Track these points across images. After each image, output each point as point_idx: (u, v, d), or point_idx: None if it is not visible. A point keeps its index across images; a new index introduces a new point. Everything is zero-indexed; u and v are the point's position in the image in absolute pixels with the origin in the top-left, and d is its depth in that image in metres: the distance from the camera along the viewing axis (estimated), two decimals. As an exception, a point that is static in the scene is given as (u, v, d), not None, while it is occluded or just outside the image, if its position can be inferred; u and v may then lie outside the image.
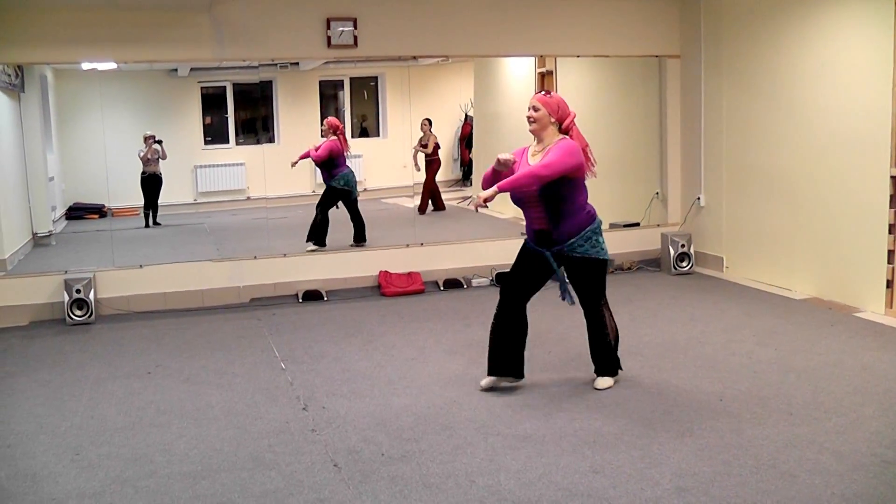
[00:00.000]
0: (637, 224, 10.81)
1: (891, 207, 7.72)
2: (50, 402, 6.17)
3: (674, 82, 10.54)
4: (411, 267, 9.61)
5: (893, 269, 7.76)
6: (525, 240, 6.07)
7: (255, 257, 9.45)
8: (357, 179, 10.77)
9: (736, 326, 7.62)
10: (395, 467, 4.83)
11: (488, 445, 5.09)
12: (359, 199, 10.62)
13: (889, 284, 7.80)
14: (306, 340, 7.63)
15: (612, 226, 10.81)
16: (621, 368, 6.21)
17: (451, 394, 6.00)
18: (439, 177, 12.87)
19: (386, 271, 9.55)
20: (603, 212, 11.02)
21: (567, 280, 6.02)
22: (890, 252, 7.76)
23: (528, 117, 5.86)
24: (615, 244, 10.34)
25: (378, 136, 13.29)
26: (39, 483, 4.78)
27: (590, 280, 5.96)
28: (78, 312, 8.46)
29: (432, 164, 12.46)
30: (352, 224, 10.46)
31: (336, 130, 10.62)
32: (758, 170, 9.32)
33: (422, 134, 12.10)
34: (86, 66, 9.48)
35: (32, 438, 5.46)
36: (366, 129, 13.47)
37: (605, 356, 6.09)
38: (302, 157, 10.76)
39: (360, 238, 10.42)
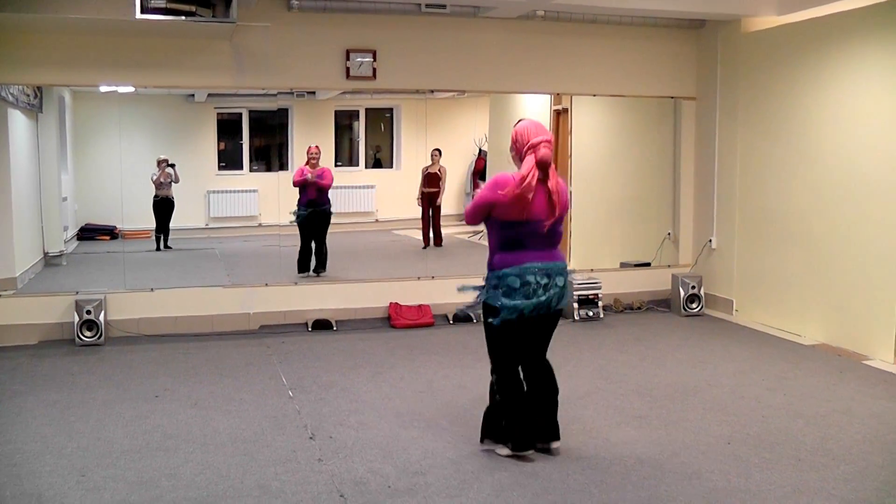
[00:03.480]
0: (648, 264, 10.81)
1: (903, 256, 7.72)
2: (57, 422, 6.17)
3: (689, 124, 10.58)
4: (422, 299, 9.61)
5: (904, 317, 7.74)
6: None
7: (266, 284, 9.46)
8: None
9: (745, 370, 7.60)
10: (401, 500, 4.81)
11: (495, 481, 5.07)
12: (369, 230, 10.71)
13: (900, 333, 7.78)
14: (315, 369, 7.62)
15: (623, 265, 10.84)
16: (508, 445, 5.44)
17: (459, 428, 5.98)
18: (451, 209, 12.87)
19: (396, 303, 9.55)
20: (614, 250, 11.19)
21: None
22: (901, 301, 7.76)
23: None
24: (626, 283, 10.41)
25: (391, 167, 13.32)
26: (45, 503, 4.78)
27: (485, 330, 5.50)
28: (88, 333, 8.47)
29: (434, 196, 12.32)
30: (317, 255, 10.62)
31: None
32: (770, 214, 9.33)
33: (430, 163, 12.08)
34: (104, 88, 9.55)
35: (38, 458, 5.45)
36: (379, 160, 13.51)
37: (487, 418, 5.61)
38: (300, 180, 10.80)
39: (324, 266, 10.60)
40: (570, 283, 5.51)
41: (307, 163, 10.74)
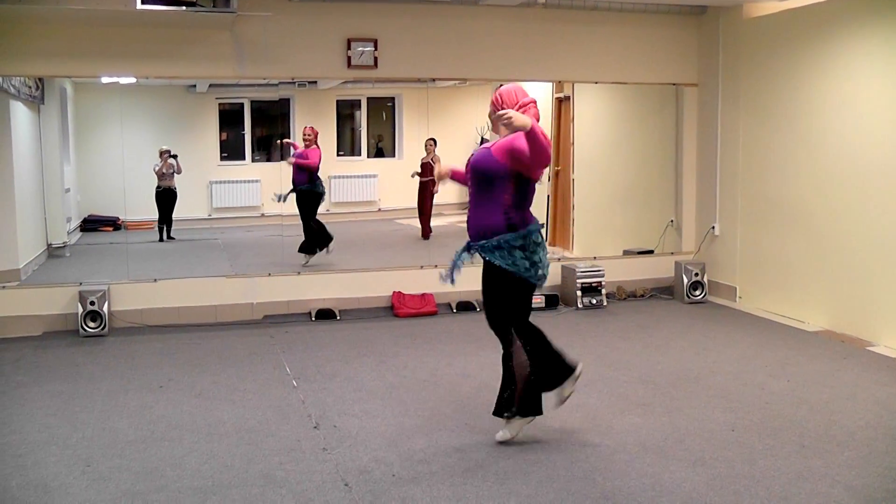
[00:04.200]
0: (651, 251, 10.81)
1: (906, 242, 7.72)
2: (62, 413, 6.18)
3: (691, 111, 10.57)
4: (425, 288, 9.61)
5: (908, 303, 7.75)
6: None
7: (270, 274, 9.47)
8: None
9: (748, 357, 7.60)
10: (405, 488, 4.82)
11: (499, 469, 5.08)
12: (372, 220, 10.73)
13: (903, 319, 7.78)
14: (319, 359, 7.63)
15: (626, 252, 10.83)
16: (533, 414, 5.45)
17: (463, 417, 5.99)
18: (453, 198, 12.85)
19: (399, 292, 9.56)
20: (617, 238, 11.19)
21: (460, 265, 5.46)
22: (905, 286, 7.76)
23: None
24: (629, 271, 10.41)
25: (393, 156, 13.31)
26: (50, 494, 4.79)
27: (493, 290, 5.38)
28: (91, 324, 8.48)
29: (429, 185, 12.21)
30: (310, 232, 10.66)
31: (316, 138, 10.96)
32: (773, 200, 9.32)
33: (425, 153, 12.05)
34: (105, 79, 9.56)
35: (44, 449, 5.47)
36: (381, 149, 13.49)
37: (509, 402, 5.46)
38: (297, 161, 10.86)
39: (309, 248, 10.62)
40: None
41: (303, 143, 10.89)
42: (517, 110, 5.19)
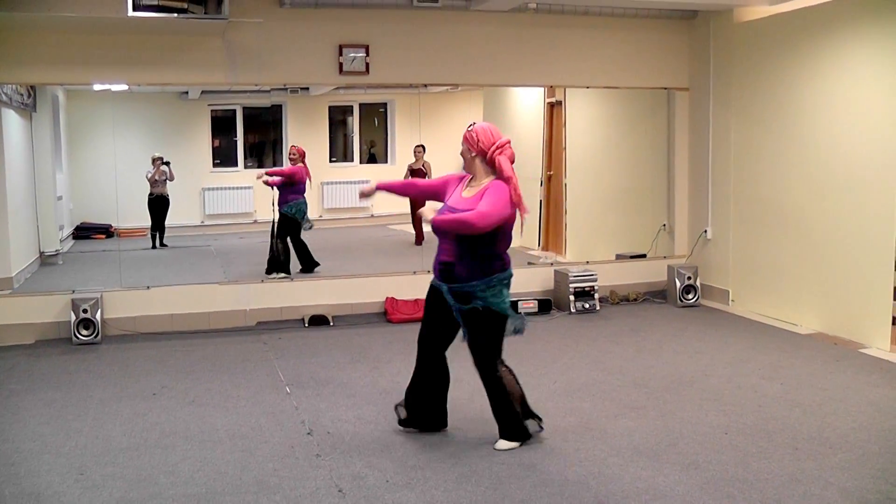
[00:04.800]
0: (644, 255, 10.82)
1: (898, 244, 7.74)
2: (54, 421, 6.17)
3: (682, 115, 10.59)
4: (418, 294, 9.60)
5: (900, 305, 7.77)
6: (432, 280, 5.65)
7: (262, 281, 9.47)
8: (307, 211, 10.83)
9: (741, 360, 7.61)
10: (399, 494, 4.82)
11: (493, 474, 5.09)
12: (364, 226, 10.64)
13: (894, 321, 7.80)
14: (312, 365, 7.63)
15: (619, 257, 10.85)
16: (529, 436, 5.56)
17: (457, 422, 5.98)
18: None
19: (393, 298, 9.56)
20: (610, 242, 11.21)
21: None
22: (896, 289, 7.78)
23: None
24: (622, 275, 10.42)
25: (386, 162, 13.32)
26: (43, 502, 4.78)
27: (483, 332, 5.43)
28: (84, 332, 8.47)
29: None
30: (295, 255, 10.46)
31: (303, 157, 10.77)
32: (765, 204, 9.34)
33: (414, 159, 12.05)
34: (97, 87, 9.55)
35: (37, 457, 5.46)
36: (374, 155, 13.50)
37: (507, 421, 5.53)
38: (272, 174, 10.76)
39: (308, 267, 10.43)
40: None
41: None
42: (493, 151, 5.30)
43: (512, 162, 5.32)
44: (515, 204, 5.26)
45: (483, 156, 5.34)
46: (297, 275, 10.00)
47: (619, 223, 11.75)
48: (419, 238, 11.92)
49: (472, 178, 5.48)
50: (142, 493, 4.87)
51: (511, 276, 5.44)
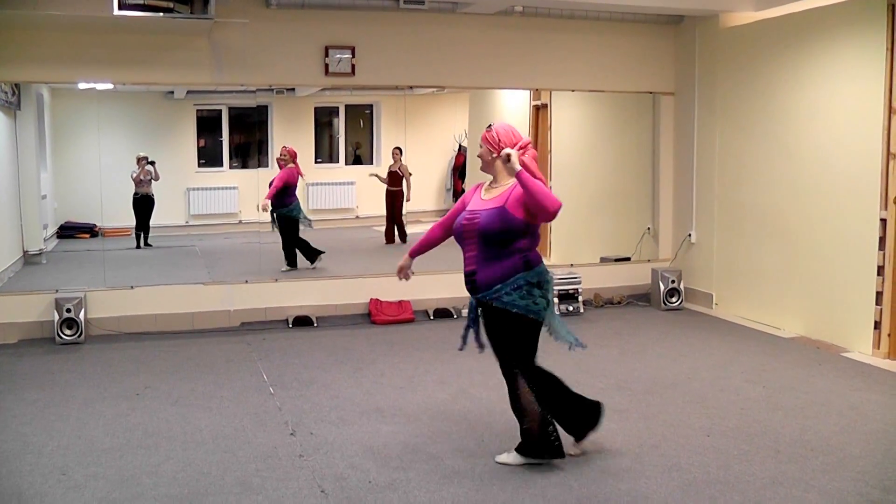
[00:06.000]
0: (628, 259, 10.86)
1: (880, 249, 7.78)
2: (37, 421, 6.15)
3: (667, 119, 10.63)
4: (402, 296, 9.62)
5: (881, 310, 7.80)
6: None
7: (247, 281, 9.45)
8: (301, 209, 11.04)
9: (724, 363, 7.65)
10: (382, 495, 4.82)
11: (476, 475, 5.09)
12: (349, 227, 10.68)
13: (877, 325, 7.84)
14: (296, 366, 7.62)
15: (603, 260, 10.87)
16: (542, 458, 5.24)
17: (440, 423, 6.00)
18: (431, 206, 12.85)
19: (376, 299, 9.56)
20: (594, 245, 11.23)
21: (473, 327, 5.38)
22: (878, 293, 7.82)
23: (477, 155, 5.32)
24: (606, 278, 10.45)
25: (371, 163, 13.29)
26: (25, 502, 4.77)
27: (506, 336, 5.15)
28: (68, 332, 8.44)
29: (397, 195, 12.11)
30: (296, 250, 10.62)
31: (294, 158, 10.81)
32: (749, 208, 9.38)
33: (391, 161, 12.04)
34: (82, 85, 9.53)
35: (18, 458, 5.44)
36: (359, 156, 13.48)
37: (522, 433, 5.28)
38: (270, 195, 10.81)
39: (313, 258, 10.59)
40: None
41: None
42: (518, 151, 5.03)
43: (535, 162, 5.10)
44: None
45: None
46: (281, 275, 9.98)
47: (603, 226, 11.78)
48: (390, 238, 11.95)
49: (491, 181, 5.26)
50: (124, 494, 4.86)
51: (542, 272, 5.13)
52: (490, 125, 5.27)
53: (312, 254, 10.60)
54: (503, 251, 5.07)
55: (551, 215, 4.90)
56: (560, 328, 5.34)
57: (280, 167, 10.84)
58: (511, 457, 5.29)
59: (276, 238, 10.65)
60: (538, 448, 5.21)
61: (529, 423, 5.19)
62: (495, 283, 5.07)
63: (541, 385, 5.20)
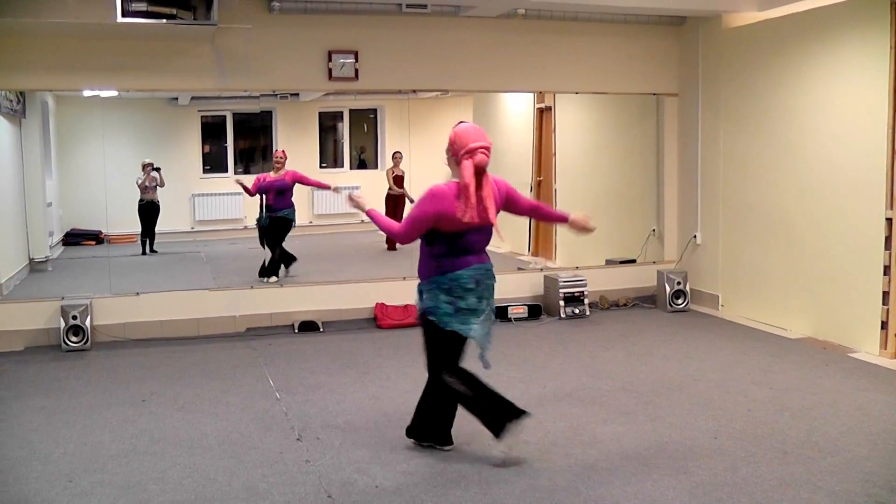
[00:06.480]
0: (633, 261, 10.84)
1: (886, 249, 7.76)
2: (43, 428, 6.15)
3: (671, 120, 10.62)
4: (408, 300, 9.60)
5: (888, 310, 7.78)
6: None
7: (252, 287, 9.46)
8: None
9: (731, 365, 7.63)
10: (388, 500, 4.82)
11: (482, 479, 5.08)
12: (354, 232, 10.66)
13: (883, 325, 7.82)
14: (301, 371, 7.62)
15: (608, 262, 10.85)
16: (426, 443, 5.60)
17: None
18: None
19: (382, 303, 9.55)
20: (599, 247, 11.21)
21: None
22: (885, 293, 7.80)
23: None
24: (611, 280, 10.43)
25: (376, 168, 13.32)
26: (32, 509, 4.78)
27: (424, 335, 5.45)
28: (74, 339, 8.45)
29: (399, 199, 12.12)
30: (277, 255, 10.51)
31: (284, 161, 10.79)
32: (754, 209, 9.37)
33: (391, 165, 12.04)
34: (87, 93, 9.55)
35: (25, 465, 5.44)
36: (364, 160, 13.50)
37: (483, 418, 5.33)
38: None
39: (288, 262, 10.53)
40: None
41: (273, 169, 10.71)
42: (461, 156, 5.11)
43: (481, 168, 5.13)
44: (463, 211, 5.08)
45: (455, 158, 5.20)
46: (286, 280, 9.99)
47: (608, 228, 11.72)
48: (392, 242, 11.96)
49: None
50: (131, 500, 4.86)
51: (452, 280, 5.22)
52: (458, 123, 5.33)
53: (288, 259, 10.54)
54: (424, 253, 5.35)
55: (395, 236, 5.32)
56: (482, 341, 5.36)
57: (276, 170, 10.74)
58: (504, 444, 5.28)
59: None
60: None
61: (479, 402, 5.32)
62: (419, 278, 5.41)
63: (468, 383, 5.35)
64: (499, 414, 5.25)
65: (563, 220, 5.69)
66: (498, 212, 5.31)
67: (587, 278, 9.94)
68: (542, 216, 5.99)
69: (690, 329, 9.12)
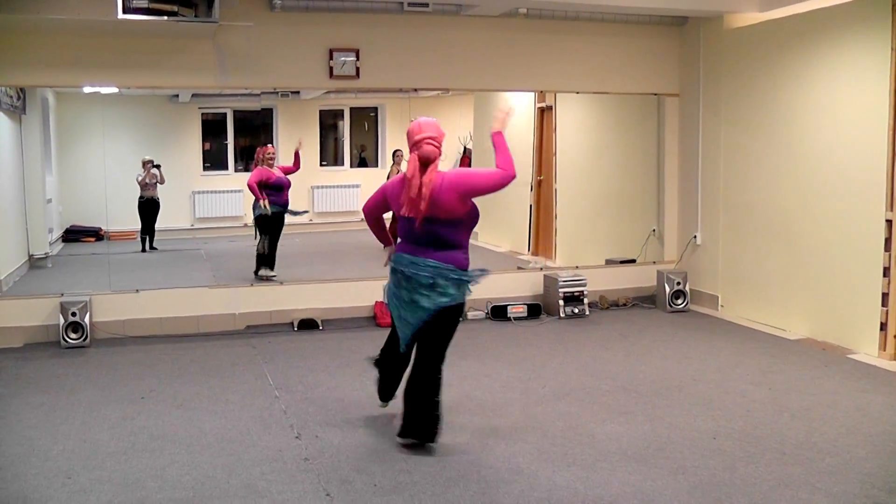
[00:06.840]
0: (633, 261, 10.84)
1: (886, 251, 7.76)
2: (42, 425, 6.15)
3: (672, 120, 10.61)
4: (407, 298, 9.59)
5: (887, 311, 7.78)
6: None
7: (252, 284, 9.46)
8: None
9: (730, 365, 7.63)
10: (387, 499, 4.82)
11: (481, 478, 5.09)
12: (354, 230, 10.66)
13: (882, 327, 7.82)
14: (301, 369, 7.62)
15: (608, 262, 10.85)
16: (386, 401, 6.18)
17: (445, 426, 5.97)
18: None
19: (382, 302, 9.53)
20: (599, 247, 11.23)
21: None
22: (884, 295, 7.80)
23: None
24: (611, 280, 10.43)
25: (377, 166, 13.32)
26: (31, 506, 4.78)
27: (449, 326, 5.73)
28: (73, 336, 8.45)
29: None
30: (268, 252, 10.51)
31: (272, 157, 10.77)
32: (754, 209, 9.37)
33: (392, 162, 12.05)
34: (87, 89, 9.54)
35: (24, 461, 5.44)
36: (364, 159, 13.50)
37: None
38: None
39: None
40: (464, 287, 5.49)
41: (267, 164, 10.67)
42: (411, 148, 5.46)
43: (429, 161, 5.36)
44: (404, 202, 5.39)
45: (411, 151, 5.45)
46: (286, 278, 9.98)
47: (608, 228, 11.77)
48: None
49: None
50: (129, 498, 4.86)
51: (396, 261, 5.59)
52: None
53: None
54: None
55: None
56: (402, 329, 5.69)
57: (270, 166, 10.71)
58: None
59: (281, 240, 10.61)
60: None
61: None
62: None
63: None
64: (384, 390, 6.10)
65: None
66: (453, 206, 5.34)
67: (587, 278, 9.93)
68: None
69: (690, 329, 9.12)
